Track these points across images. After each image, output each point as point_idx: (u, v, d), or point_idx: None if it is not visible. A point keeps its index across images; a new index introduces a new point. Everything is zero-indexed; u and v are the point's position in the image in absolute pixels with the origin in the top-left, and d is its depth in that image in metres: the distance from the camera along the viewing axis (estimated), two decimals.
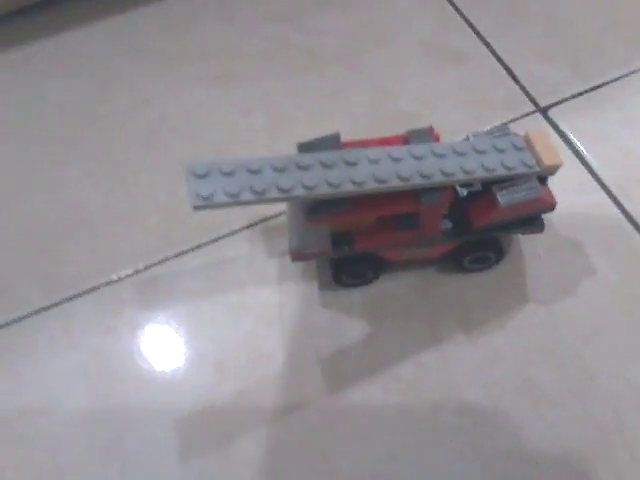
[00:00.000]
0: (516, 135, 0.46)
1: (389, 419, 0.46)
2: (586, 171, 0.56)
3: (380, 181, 0.40)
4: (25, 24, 0.68)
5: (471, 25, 0.66)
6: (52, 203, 0.56)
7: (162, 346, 0.50)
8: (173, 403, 0.47)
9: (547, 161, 0.44)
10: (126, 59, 0.65)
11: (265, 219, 0.55)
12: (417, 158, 0.41)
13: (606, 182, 0.56)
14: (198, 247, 0.54)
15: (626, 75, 0.62)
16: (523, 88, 0.62)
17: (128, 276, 0.52)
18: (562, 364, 0.48)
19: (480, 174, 0.42)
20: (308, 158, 0.40)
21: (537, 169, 0.44)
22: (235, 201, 0.37)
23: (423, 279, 0.51)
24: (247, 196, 0.38)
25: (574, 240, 0.53)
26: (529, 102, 0.61)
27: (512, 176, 0.44)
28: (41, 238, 0.55)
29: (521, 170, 0.43)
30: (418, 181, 0.41)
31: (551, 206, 0.47)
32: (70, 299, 0.51)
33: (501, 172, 0.43)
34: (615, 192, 0.55)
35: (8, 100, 0.63)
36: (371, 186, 0.40)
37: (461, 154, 0.43)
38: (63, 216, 0.56)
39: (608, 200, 0.55)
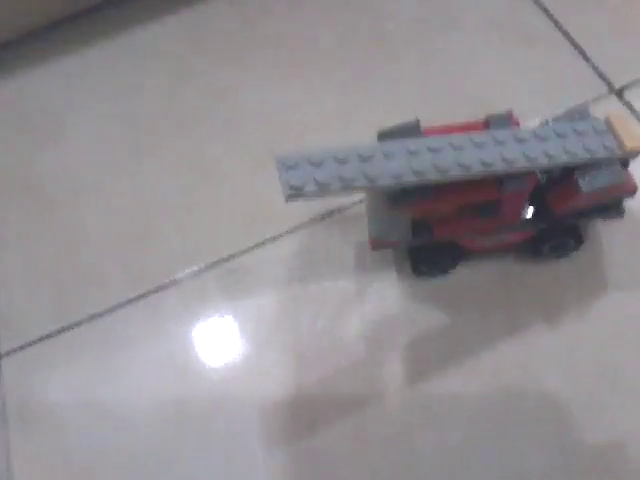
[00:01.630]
0: (596, 118, 0.45)
1: (469, 408, 0.46)
2: None
3: (464, 167, 0.40)
4: (100, 21, 0.69)
5: (539, 3, 0.64)
6: (134, 195, 0.58)
7: (246, 335, 0.51)
8: (257, 390, 0.48)
9: (629, 144, 0.43)
10: (199, 51, 0.66)
11: (341, 209, 0.55)
12: (500, 143, 0.41)
13: None
14: (278, 237, 0.54)
15: None
16: (596, 68, 0.60)
17: (211, 266, 0.54)
18: None
19: (563, 158, 0.42)
20: (393, 146, 0.40)
21: (619, 152, 0.43)
22: (325, 190, 0.38)
23: (502, 267, 0.51)
24: (336, 185, 0.38)
25: None
26: (603, 83, 0.59)
27: (594, 160, 0.43)
28: (125, 230, 0.56)
29: (603, 153, 0.43)
30: (501, 167, 0.41)
31: (633, 191, 0.46)
32: (156, 290, 0.53)
33: (583, 156, 0.42)
34: None
35: (86, 95, 0.65)
36: (456, 173, 0.40)
37: (543, 139, 0.42)
38: (145, 208, 0.57)
39: None
